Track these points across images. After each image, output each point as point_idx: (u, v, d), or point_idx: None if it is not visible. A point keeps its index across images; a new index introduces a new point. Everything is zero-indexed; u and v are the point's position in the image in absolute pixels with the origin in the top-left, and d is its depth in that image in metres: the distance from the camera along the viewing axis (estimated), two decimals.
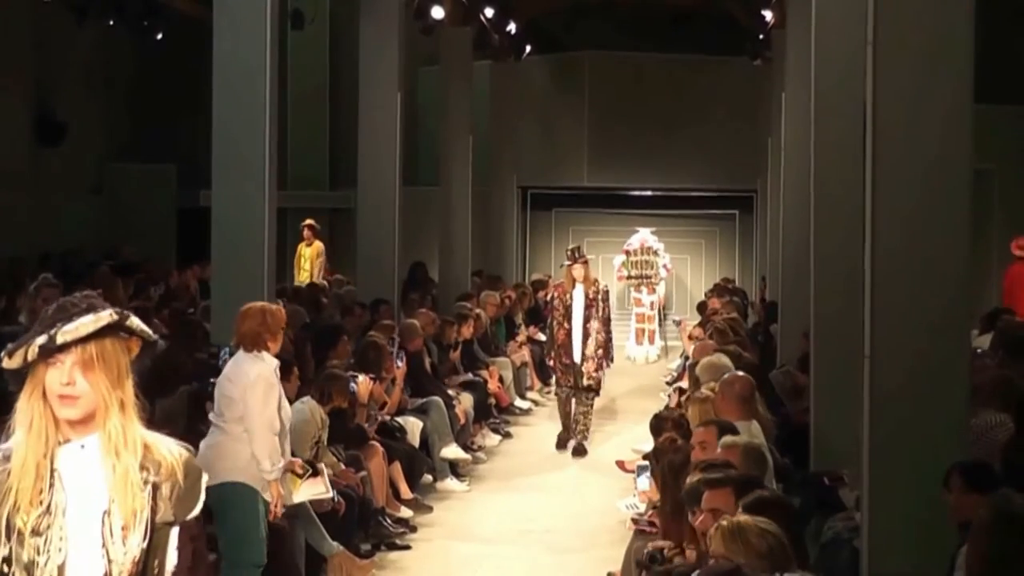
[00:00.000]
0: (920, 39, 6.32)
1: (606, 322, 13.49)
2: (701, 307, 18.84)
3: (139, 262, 18.38)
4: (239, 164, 9.29)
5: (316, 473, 8.19)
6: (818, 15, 10.18)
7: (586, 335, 13.28)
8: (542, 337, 15.87)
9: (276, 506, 7.51)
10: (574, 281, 13.41)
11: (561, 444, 13.54)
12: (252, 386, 7.30)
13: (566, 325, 13.36)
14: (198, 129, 12.54)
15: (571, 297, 13.38)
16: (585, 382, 13.31)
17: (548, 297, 14.98)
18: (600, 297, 13.40)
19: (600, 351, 13.35)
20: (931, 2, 6.35)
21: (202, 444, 7.52)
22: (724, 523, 5.03)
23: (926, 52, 6.32)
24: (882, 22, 6.33)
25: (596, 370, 13.37)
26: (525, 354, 16.66)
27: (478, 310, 15.71)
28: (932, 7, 6.34)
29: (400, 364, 11.43)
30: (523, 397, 16.15)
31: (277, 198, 9.78)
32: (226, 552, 7.44)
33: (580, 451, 13.29)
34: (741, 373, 8.95)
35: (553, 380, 14.68)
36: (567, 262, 13.62)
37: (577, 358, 13.28)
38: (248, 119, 9.25)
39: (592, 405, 13.59)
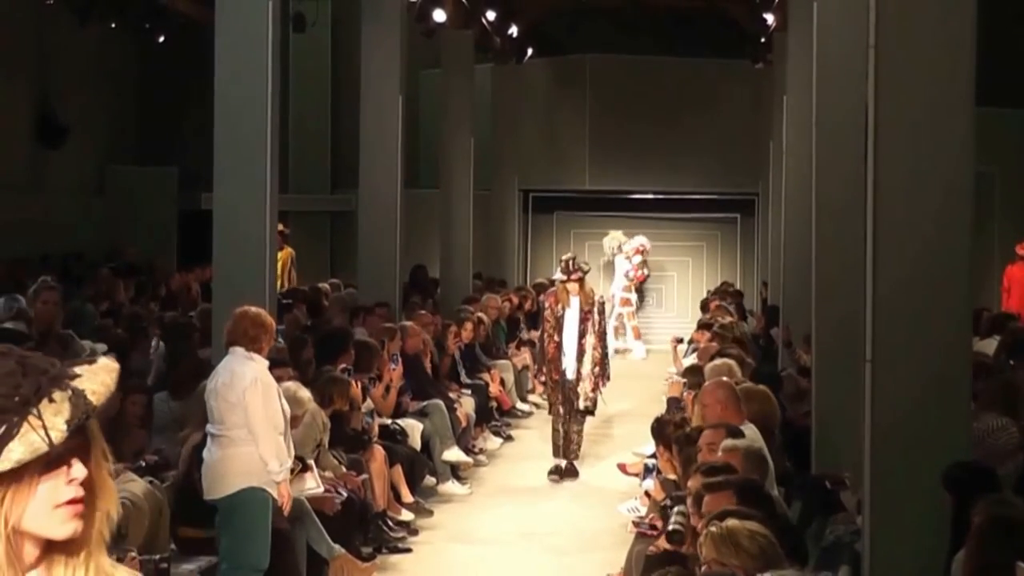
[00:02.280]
0: (921, 42, 6.32)
1: (602, 336, 12.38)
2: (704, 306, 18.81)
3: (143, 264, 18.40)
4: (241, 167, 9.28)
5: (305, 469, 8.19)
6: (820, 18, 10.18)
7: (581, 352, 12.17)
8: None
9: (285, 506, 7.51)
10: (567, 293, 12.32)
11: (556, 472, 12.33)
12: (251, 388, 7.29)
13: (556, 338, 12.23)
14: (199, 132, 12.52)
15: (563, 309, 12.27)
16: (581, 404, 12.24)
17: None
18: (596, 309, 12.30)
19: (596, 369, 12.23)
20: (933, 5, 6.35)
21: (205, 455, 7.51)
22: (713, 528, 5.04)
23: (927, 55, 6.32)
24: (883, 25, 6.33)
25: (593, 390, 12.27)
26: (526, 357, 16.66)
27: (480, 313, 15.70)
28: (934, 10, 6.34)
29: (394, 367, 11.40)
30: (524, 400, 16.14)
31: (278, 201, 9.78)
32: (227, 554, 7.44)
33: (572, 472, 12.35)
34: (724, 379, 8.94)
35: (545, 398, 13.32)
36: (560, 276, 12.50)
37: (571, 375, 12.21)
38: (250, 122, 9.25)
39: (584, 423, 12.54)
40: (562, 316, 12.23)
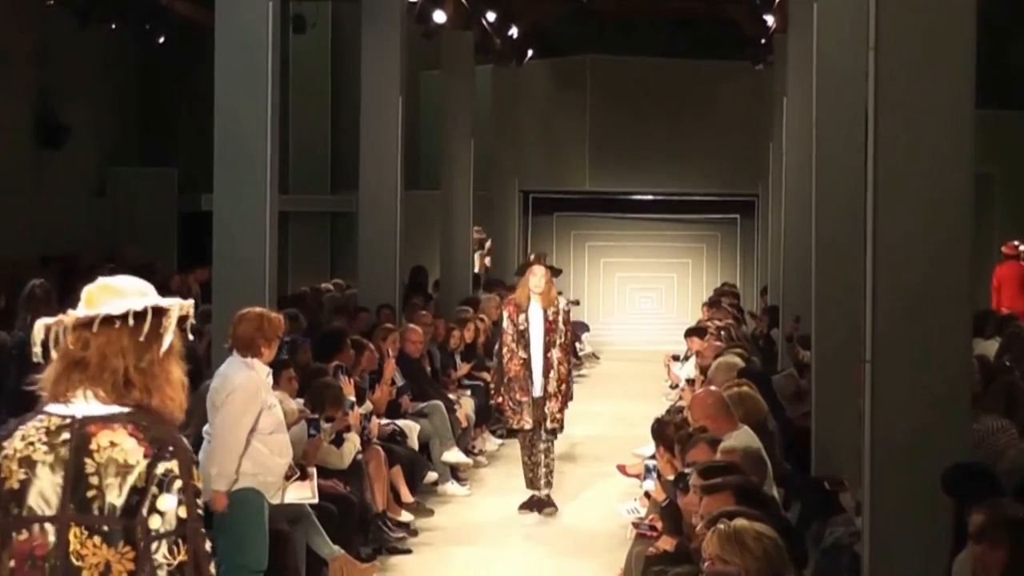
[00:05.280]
0: (922, 44, 6.33)
1: (568, 350, 11.01)
2: (710, 304, 18.72)
3: (143, 265, 18.39)
4: (241, 168, 9.29)
5: (305, 477, 8.18)
6: (820, 20, 10.19)
7: (547, 367, 10.71)
8: None
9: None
10: (529, 295, 10.77)
11: (530, 506, 10.93)
12: (232, 394, 7.29)
13: (521, 354, 10.72)
14: (200, 133, 12.56)
15: (526, 319, 10.71)
16: (550, 425, 10.81)
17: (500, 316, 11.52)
18: (562, 319, 10.78)
19: (563, 386, 10.82)
20: (933, 7, 6.35)
21: (200, 455, 7.51)
22: (722, 526, 5.04)
23: (928, 57, 6.32)
24: (884, 27, 6.33)
25: (560, 410, 10.85)
26: None
27: (481, 315, 15.70)
28: (934, 12, 6.34)
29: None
30: None
31: (279, 202, 9.79)
32: (224, 556, 7.43)
33: (549, 504, 10.94)
34: (712, 388, 8.95)
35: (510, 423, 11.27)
36: (531, 263, 10.97)
37: (538, 392, 10.75)
38: (250, 123, 9.26)
39: (553, 444, 11.09)
40: (526, 329, 10.73)
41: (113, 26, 19.06)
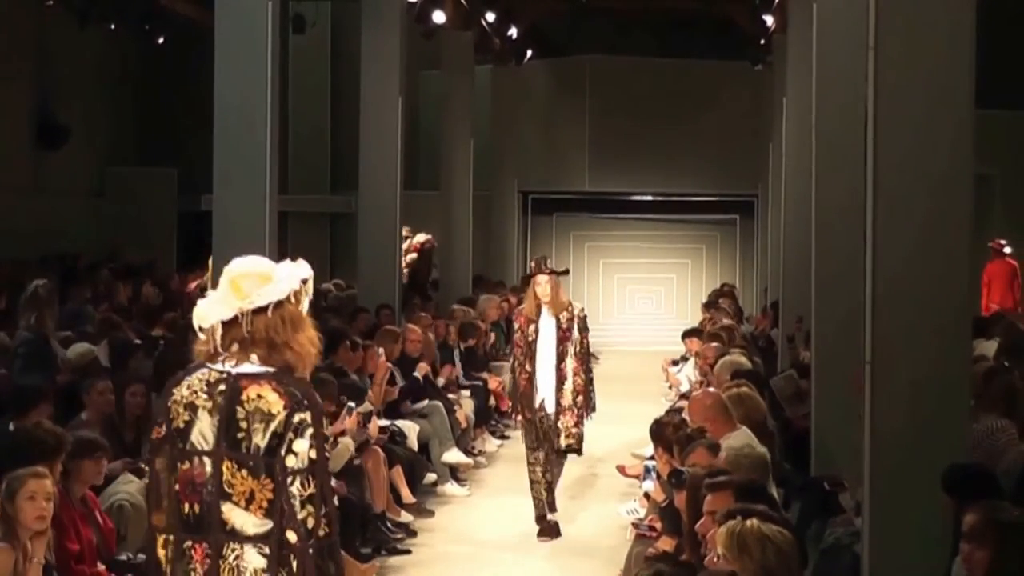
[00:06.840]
0: (922, 44, 6.33)
1: (585, 359, 10.01)
2: (707, 306, 18.73)
3: (143, 266, 18.40)
4: (240, 168, 9.28)
5: None
6: (819, 20, 10.19)
7: (560, 379, 9.89)
8: None
9: None
10: (538, 305, 9.96)
11: (545, 531, 10.08)
12: None
13: (528, 367, 9.92)
14: (199, 133, 12.54)
15: (535, 330, 9.93)
16: (563, 442, 9.93)
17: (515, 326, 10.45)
18: (577, 325, 9.98)
19: (580, 398, 9.91)
20: (933, 6, 6.35)
21: None
22: (732, 523, 4.99)
23: (927, 57, 6.32)
24: (883, 27, 6.33)
25: (576, 424, 9.93)
26: None
27: (466, 309, 15.73)
28: (934, 12, 6.34)
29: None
30: None
31: (278, 202, 9.78)
32: None
33: (554, 529, 10.12)
34: (711, 388, 8.93)
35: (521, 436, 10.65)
36: (533, 274, 10.14)
37: (550, 408, 9.91)
38: (249, 123, 9.25)
39: (563, 465, 10.35)
40: (534, 341, 9.95)
41: (113, 26, 19.08)
